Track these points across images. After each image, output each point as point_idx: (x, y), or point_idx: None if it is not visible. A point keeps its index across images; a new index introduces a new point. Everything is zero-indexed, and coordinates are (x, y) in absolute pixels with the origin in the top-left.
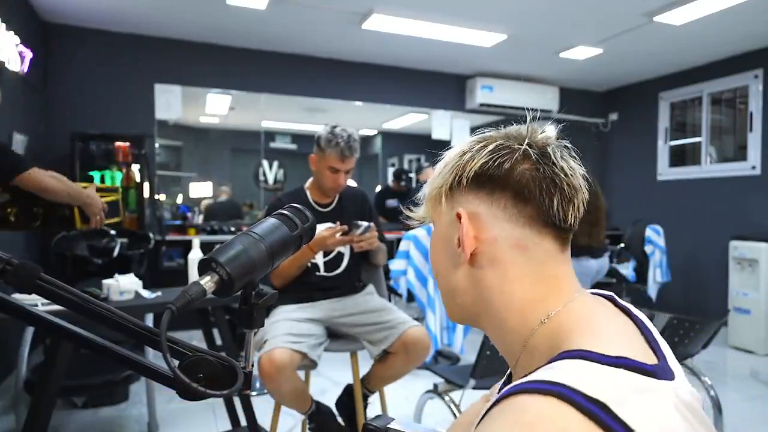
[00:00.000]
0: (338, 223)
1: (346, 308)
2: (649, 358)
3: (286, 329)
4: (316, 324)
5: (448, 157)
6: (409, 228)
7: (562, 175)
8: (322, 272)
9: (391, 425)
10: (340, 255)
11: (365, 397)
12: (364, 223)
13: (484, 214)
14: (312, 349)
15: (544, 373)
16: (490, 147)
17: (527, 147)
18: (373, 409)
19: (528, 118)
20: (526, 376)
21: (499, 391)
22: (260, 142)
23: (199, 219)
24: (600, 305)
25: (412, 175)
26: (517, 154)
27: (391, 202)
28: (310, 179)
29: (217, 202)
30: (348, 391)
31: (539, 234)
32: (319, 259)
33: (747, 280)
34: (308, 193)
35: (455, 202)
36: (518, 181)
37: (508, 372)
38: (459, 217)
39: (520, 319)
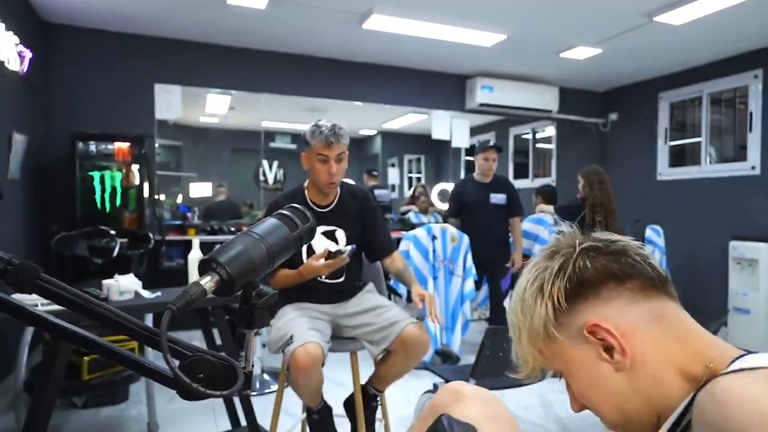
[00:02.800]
0: (338, 237)
1: (348, 308)
2: None
3: (309, 324)
4: (325, 321)
5: (519, 305)
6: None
7: (620, 243)
8: (323, 278)
9: None
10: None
11: (374, 397)
12: (348, 248)
13: (607, 312)
14: (327, 345)
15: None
16: (560, 261)
17: (578, 244)
18: None
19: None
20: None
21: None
22: (260, 142)
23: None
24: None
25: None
26: (582, 253)
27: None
28: (308, 180)
29: (215, 201)
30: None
31: (658, 297)
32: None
33: (747, 280)
34: (306, 193)
35: (572, 325)
36: (606, 267)
37: None
38: (594, 329)
39: (681, 382)
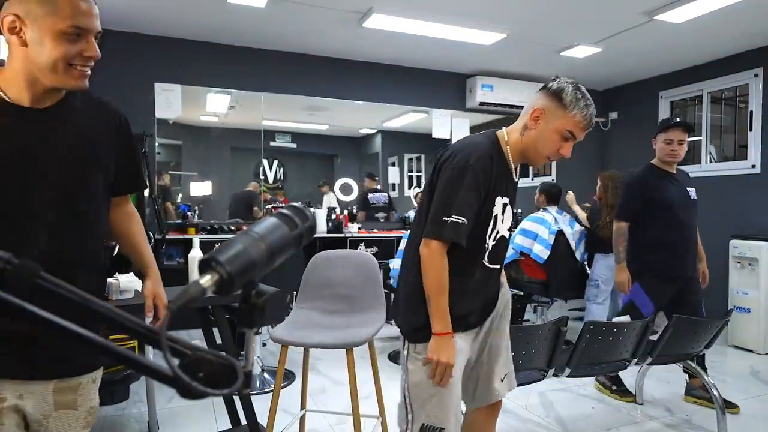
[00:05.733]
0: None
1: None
2: None
3: (457, 410)
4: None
5: None
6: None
7: None
8: (486, 261)
9: None
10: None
11: None
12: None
13: None
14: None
15: None
16: None
17: None
18: (371, 407)
19: None
20: None
21: None
22: (260, 141)
23: (195, 217)
24: None
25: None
26: None
27: None
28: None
29: (243, 191)
30: None
31: None
32: (492, 240)
33: (747, 279)
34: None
35: None
36: None
37: None
38: None
39: None
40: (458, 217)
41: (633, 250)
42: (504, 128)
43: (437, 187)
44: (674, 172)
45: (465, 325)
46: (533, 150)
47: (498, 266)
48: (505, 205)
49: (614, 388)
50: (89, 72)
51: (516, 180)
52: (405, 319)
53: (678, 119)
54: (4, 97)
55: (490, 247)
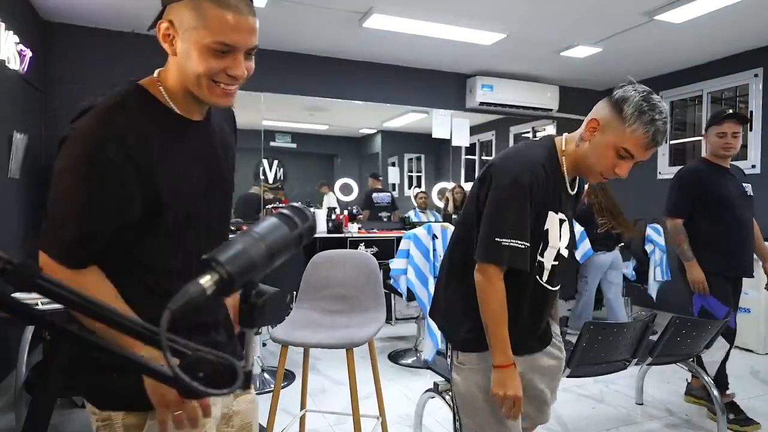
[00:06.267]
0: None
1: (542, 361)
2: None
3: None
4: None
5: None
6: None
7: None
8: (543, 281)
9: None
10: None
11: None
12: None
13: None
14: None
15: None
16: None
17: None
18: (371, 407)
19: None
20: None
21: None
22: (260, 141)
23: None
24: None
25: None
26: None
27: None
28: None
29: (248, 192)
30: None
31: None
32: (548, 259)
33: (747, 279)
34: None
35: None
36: None
37: None
38: None
39: None
40: (518, 242)
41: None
42: (565, 134)
43: (488, 204)
44: (728, 167)
45: (526, 349)
46: (586, 165)
47: (556, 288)
48: (561, 221)
49: (731, 416)
50: (234, 90)
51: (572, 193)
52: (446, 321)
53: (731, 110)
54: (175, 110)
55: (547, 266)
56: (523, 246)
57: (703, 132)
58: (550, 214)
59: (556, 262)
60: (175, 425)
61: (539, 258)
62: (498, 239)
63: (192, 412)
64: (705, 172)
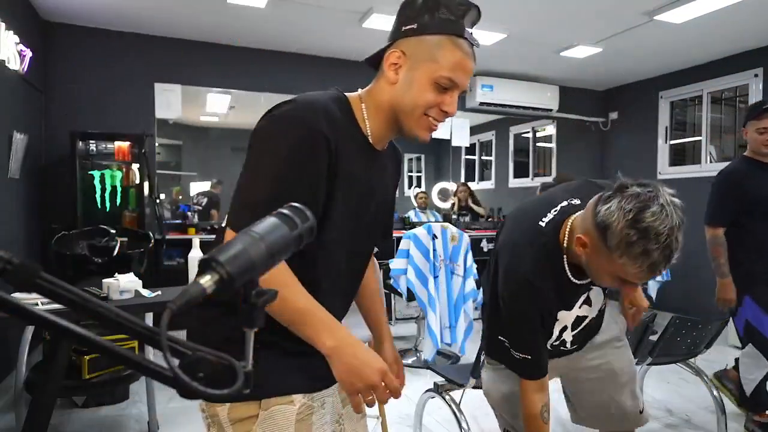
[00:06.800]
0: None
1: (582, 362)
2: None
3: None
4: None
5: None
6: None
7: None
8: (568, 346)
9: None
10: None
11: None
12: None
13: None
14: None
15: None
16: None
17: None
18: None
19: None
20: None
21: None
22: None
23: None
24: None
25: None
26: None
27: None
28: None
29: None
30: None
31: None
32: (568, 334)
33: None
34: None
35: None
36: None
37: None
38: None
39: None
40: (523, 355)
41: (730, 258)
42: (571, 218)
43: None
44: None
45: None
46: (590, 271)
47: (579, 347)
48: (580, 319)
49: None
50: (437, 128)
51: (582, 283)
52: (485, 334)
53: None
54: (368, 137)
55: (566, 341)
56: (529, 357)
57: (742, 127)
58: (561, 313)
59: (576, 332)
60: (366, 405)
61: (554, 342)
62: (514, 351)
63: (382, 395)
64: (747, 172)
